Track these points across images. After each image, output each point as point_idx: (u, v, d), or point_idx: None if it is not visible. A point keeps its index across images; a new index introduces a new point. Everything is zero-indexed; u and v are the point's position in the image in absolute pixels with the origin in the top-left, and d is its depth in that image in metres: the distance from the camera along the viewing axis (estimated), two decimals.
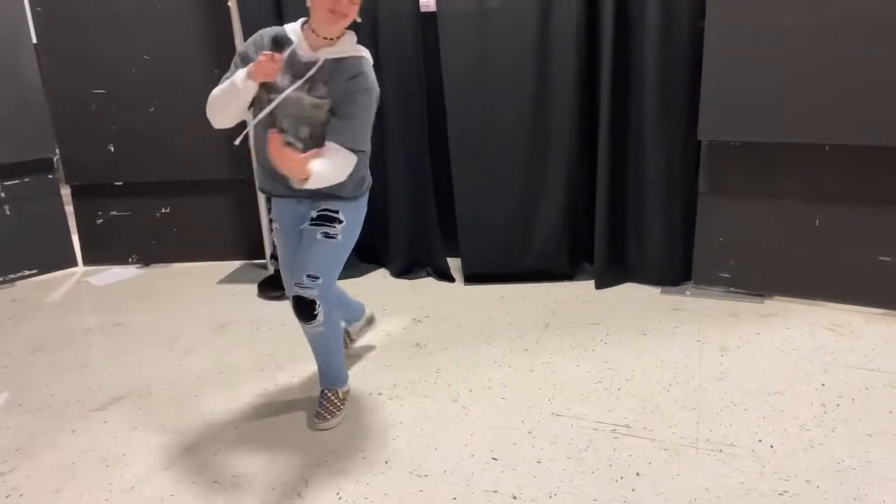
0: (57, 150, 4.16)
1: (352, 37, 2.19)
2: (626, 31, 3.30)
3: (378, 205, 3.64)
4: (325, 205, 2.26)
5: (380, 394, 2.65)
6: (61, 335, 3.33)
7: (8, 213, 4.06)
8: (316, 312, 2.26)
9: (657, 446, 2.23)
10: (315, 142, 2.15)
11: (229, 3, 3.67)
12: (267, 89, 2.15)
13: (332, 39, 2.14)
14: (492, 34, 3.43)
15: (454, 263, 3.84)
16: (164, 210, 4.26)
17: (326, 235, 2.25)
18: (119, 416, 2.57)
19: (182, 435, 2.43)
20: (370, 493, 2.07)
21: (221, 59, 3.90)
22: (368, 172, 2.34)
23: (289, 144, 2.08)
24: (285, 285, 2.45)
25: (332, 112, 2.12)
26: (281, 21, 3.66)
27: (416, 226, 3.85)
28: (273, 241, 2.46)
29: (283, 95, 2.11)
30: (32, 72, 3.98)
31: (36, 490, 2.16)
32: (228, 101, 2.14)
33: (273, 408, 2.58)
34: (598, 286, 3.59)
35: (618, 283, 3.63)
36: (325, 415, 2.43)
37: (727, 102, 3.09)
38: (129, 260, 4.33)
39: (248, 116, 2.28)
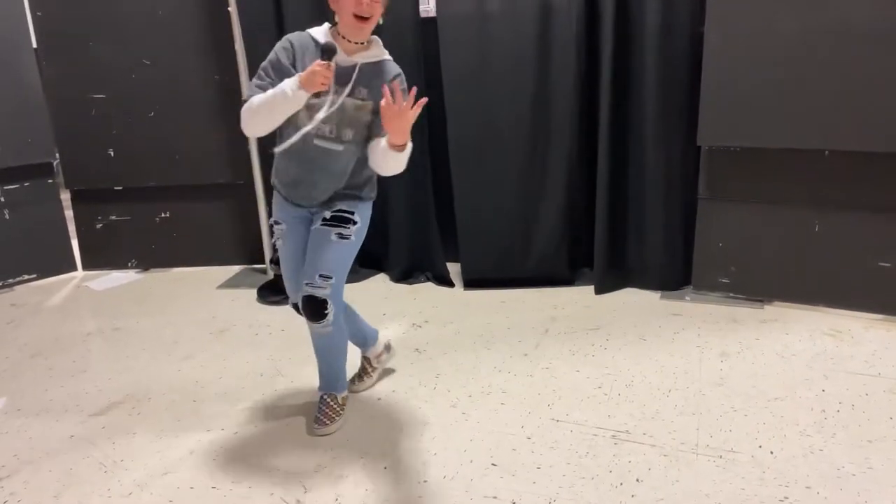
0: (57, 155, 4.16)
1: (379, 40, 2.23)
2: (626, 34, 3.31)
3: (378, 210, 3.62)
4: (340, 205, 2.27)
5: (379, 399, 2.64)
6: (60, 340, 3.33)
7: (7, 217, 4.06)
8: (326, 312, 2.25)
9: (657, 452, 2.23)
10: (357, 143, 2.19)
11: (229, 8, 3.68)
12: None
13: (363, 44, 2.18)
14: (491, 38, 3.44)
15: (454, 268, 3.84)
16: (163, 215, 4.26)
17: (340, 236, 2.25)
18: (118, 422, 2.56)
19: (181, 440, 2.42)
20: (369, 499, 2.06)
21: (221, 64, 3.91)
22: None
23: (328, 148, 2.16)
24: (288, 286, 2.44)
25: (376, 112, 2.14)
26: (280, 26, 3.69)
27: (415, 231, 3.85)
28: (274, 244, 2.44)
29: (341, 99, 2.12)
30: (33, 76, 3.99)
31: (34, 496, 2.15)
32: (275, 110, 2.06)
33: (272, 413, 2.58)
34: (598, 291, 3.59)
35: (617, 288, 3.63)
36: (325, 420, 2.42)
37: (727, 107, 3.10)
38: (129, 264, 4.33)
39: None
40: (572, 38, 3.37)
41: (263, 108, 2.06)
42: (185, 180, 4.15)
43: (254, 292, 3.78)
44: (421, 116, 2.07)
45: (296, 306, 2.40)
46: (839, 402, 2.47)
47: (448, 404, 2.58)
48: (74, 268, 4.35)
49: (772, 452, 2.20)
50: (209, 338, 3.27)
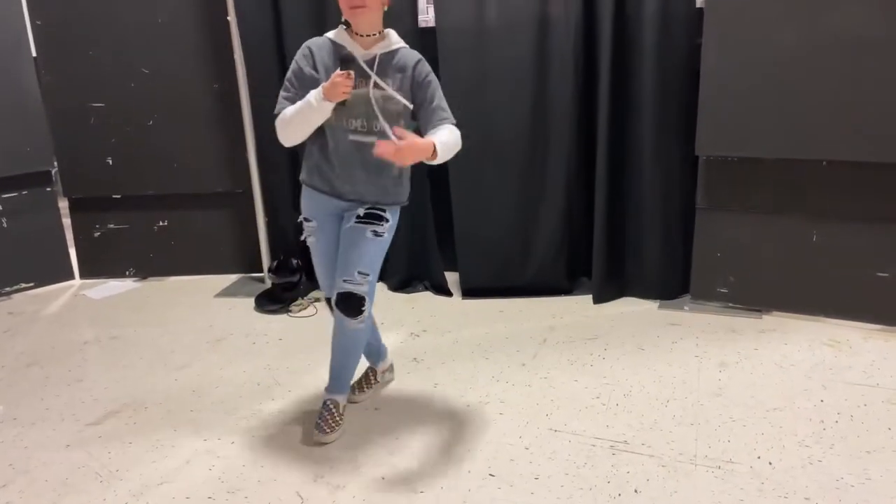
0: (55, 163, 4.16)
1: (393, 31, 2.28)
2: (623, 46, 3.32)
3: None
4: (373, 203, 2.31)
5: (377, 409, 2.64)
6: (57, 348, 3.32)
7: (5, 225, 4.05)
8: (363, 308, 2.30)
9: (655, 462, 2.22)
10: (386, 133, 2.22)
11: (228, 18, 3.69)
12: None
13: (376, 35, 2.23)
14: (490, 49, 3.45)
15: (452, 277, 3.84)
16: (161, 223, 4.25)
17: (375, 234, 2.29)
18: (114, 431, 2.55)
19: (177, 450, 2.41)
20: None
21: (221, 73, 3.92)
22: None
23: (362, 143, 2.21)
24: (322, 282, 2.46)
25: (408, 100, 2.22)
26: (279, 35, 3.70)
27: (414, 240, 3.85)
28: (302, 243, 2.46)
29: (385, 91, 2.20)
30: (32, 85, 3.99)
31: None
32: (305, 121, 2.17)
33: (269, 422, 2.57)
34: (597, 301, 3.58)
35: (616, 297, 3.63)
36: (326, 428, 2.42)
37: (725, 118, 3.11)
38: (126, 273, 4.32)
39: None
40: (570, 50, 3.38)
41: (295, 120, 2.17)
42: (183, 189, 4.15)
43: (251, 301, 3.78)
44: (419, 127, 2.10)
45: (330, 301, 2.42)
46: (838, 413, 2.47)
47: (446, 414, 2.57)
48: (72, 276, 4.34)
49: (770, 463, 2.19)
50: (206, 347, 3.27)
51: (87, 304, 3.93)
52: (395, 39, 2.27)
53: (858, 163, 2.99)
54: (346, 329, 2.36)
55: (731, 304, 3.41)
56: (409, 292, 3.87)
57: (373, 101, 2.19)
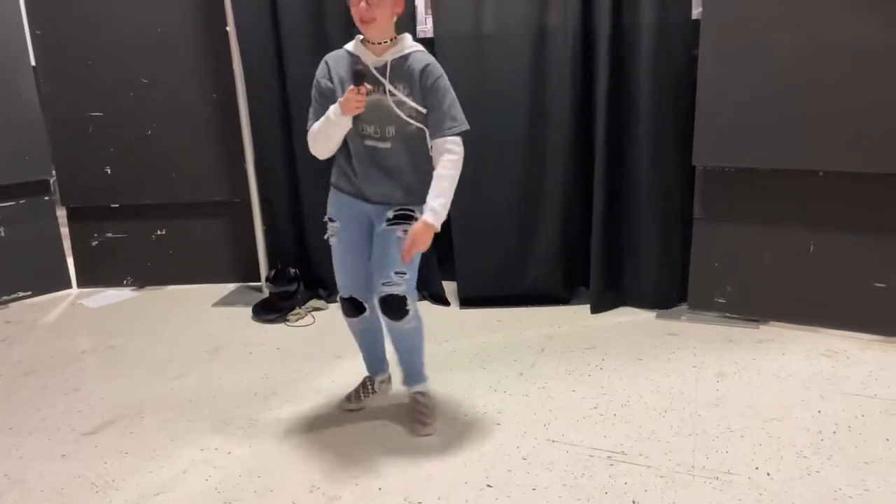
0: (54, 172, 4.17)
1: (407, 36, 2.32)
2: (621, 56, 3.33)
3: None
4: (401, 204, 2.35)
5: (374, 418, 2.63)
6: (54, 358, 3.31)
7: (3, 234, 4.05)
8: (407, 308, 2.35)
9: (653, 473, 2.22)
10: (400, 137, 2.27)
11: (228, 28, 3.70)
12: None
13: (388, 42, 2.26)
14: (488, 58, 3.46)
15: (450, 287, 3.84)
16: (159, 232, 4.25)
17: (406, 233, 2.30)
18: (110, 441, 2.54)
19: (173, 460, 2.40)
20: None
21: (219, 83, 3.93)
22: None
23: (373, 145, 2.28)
24: (339, 281, 2.47)
25: (420, 105, 2.26)
26: (279, 45, 3.70)
27: None
28: (327, 241, 2.49)
29: (397, 96, 2.24)
30: (31, 94, 4.01)
31: None
32: (328, 135, 2.27)
33: (266, 433, 2.56)
34: (594, 310, 3.58)
35: (613, 307, 3.63)
36: (426, 420, 2.50)
37: (722, 128, 3.11)
38: (124, 282, 4.32)
39: None
40: (568, 60, 3.39)
41: (320, 135, 2.28)
42: (181, 198, 4.15)
43: (249, 310, 3.77)
44: None
45: (345, 301, 2.47)
46: (835, 424, 2.47)
47: (444, 424, 2.56)
48: (69, 285, 4.33)
49: (768, 474, 2.19)
50: (204, 356, 3.26)
51: (84, 314, 3.93)
52: (408, 44, 2.29)
53: (856, 173, 3.00)
54: (396, 331, 2.42)
55: (728, 315, 3.41)
56: None
57: (392, 107, 2.24)
